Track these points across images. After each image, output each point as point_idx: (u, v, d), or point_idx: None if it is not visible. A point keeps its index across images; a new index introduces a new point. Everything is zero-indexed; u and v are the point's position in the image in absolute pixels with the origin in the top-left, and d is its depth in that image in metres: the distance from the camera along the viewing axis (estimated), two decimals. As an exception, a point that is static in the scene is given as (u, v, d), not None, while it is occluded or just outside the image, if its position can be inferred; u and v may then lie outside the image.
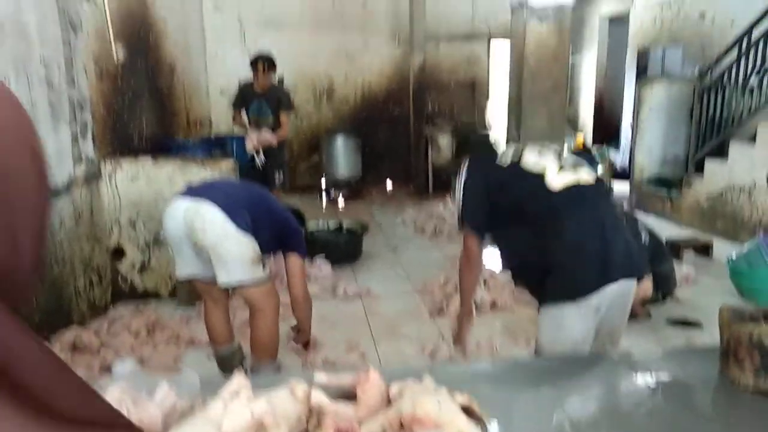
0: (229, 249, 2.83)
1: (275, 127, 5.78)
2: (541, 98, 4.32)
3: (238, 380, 1.38)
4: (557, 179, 2.22)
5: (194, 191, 2.99)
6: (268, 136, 5.67)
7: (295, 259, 3.21)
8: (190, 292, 4.33)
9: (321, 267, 5.13)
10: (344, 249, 5.53)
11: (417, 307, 4.52)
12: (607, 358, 1.87)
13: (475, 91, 9.56)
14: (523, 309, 4.27)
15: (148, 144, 5.31)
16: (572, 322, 2.14)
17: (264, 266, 2.98)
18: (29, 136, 0.59)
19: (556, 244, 2.15)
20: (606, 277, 2.13)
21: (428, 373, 1.39)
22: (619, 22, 9.56)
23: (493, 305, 4.39)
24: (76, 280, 3.95)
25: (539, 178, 2.23)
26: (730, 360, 1.66)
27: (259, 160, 5.70)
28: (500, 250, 2.40)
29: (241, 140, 5.79)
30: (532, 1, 4.31)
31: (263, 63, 5.63)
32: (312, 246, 5.22)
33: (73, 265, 3.92)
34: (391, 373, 1.42)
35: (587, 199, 2.24)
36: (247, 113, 5.85)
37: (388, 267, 5.49)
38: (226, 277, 2.87)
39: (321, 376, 1.49)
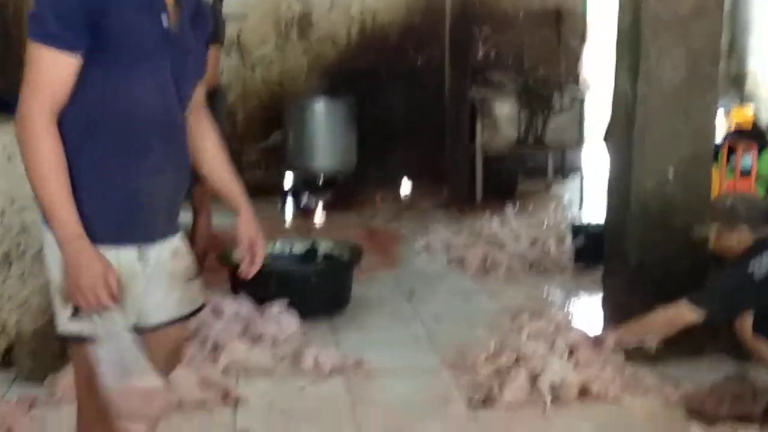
0: None
1: None
2: (675, 28, 2.89)
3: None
4: None
5: None
6: None
7: None
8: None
9: (281, 321, 3.54)
10: (319, 290, 3.96)
11: (446, 392, 3.14)
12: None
13: (561, 26, 7.17)
14: (638, 399, 2.97)
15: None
16: None
17: None
18: None
19: None
20: None
21: None
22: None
23: (584, 392, 3.05)
24: None
25: None
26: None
27: None
28: None
29: None
30: None
31: None
32: (265, 284, 3.66)
33: None
34: None
35: None
36: None
37: (397, 324, 3.92)
38: None
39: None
